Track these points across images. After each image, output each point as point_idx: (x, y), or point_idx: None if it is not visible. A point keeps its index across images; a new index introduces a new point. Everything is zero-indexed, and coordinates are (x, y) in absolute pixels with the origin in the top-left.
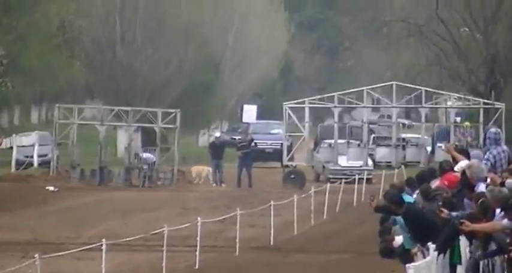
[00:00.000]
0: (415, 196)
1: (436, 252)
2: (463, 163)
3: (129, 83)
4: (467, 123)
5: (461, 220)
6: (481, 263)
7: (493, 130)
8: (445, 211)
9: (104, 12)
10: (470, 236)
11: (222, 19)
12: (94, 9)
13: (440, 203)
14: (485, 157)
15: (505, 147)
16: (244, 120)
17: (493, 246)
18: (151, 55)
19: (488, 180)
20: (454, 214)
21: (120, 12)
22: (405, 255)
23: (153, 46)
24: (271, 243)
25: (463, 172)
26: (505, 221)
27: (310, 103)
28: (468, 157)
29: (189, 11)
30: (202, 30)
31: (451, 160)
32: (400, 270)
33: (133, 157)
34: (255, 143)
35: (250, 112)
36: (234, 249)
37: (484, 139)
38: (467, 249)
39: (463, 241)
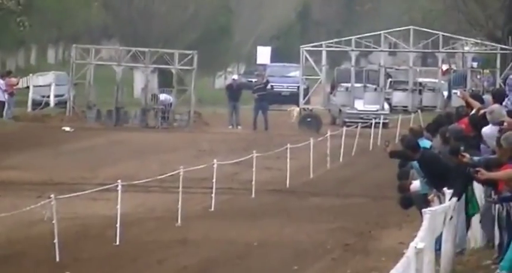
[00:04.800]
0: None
1: (453, 199)
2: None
3: (146, 26)
4: (486, 71)
5: (477, 169)
6: (496, 207)
7: (511, 76)
8: (467, 155)
9: None
10: (486, 184)
11: None
12: None
13: (462, 147)
14: (504, 103)
15: None
16: (259, 61)
17: (507, 193)
18: None
19: (505, 124)
20: (475, 158)
21: None
22: (421, 200)
23: None
24: (287, 186)
25: (481, 117)
26: None
27: (327, 46)
28: (482, 102)
29: None
30: None
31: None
32: (415, 215)
33: (151, 98)
34: (272, 86)
35: (264, 54)
36: (249, 191)
37: (501, 85)
38: (483, 195)
39: (478, 190)
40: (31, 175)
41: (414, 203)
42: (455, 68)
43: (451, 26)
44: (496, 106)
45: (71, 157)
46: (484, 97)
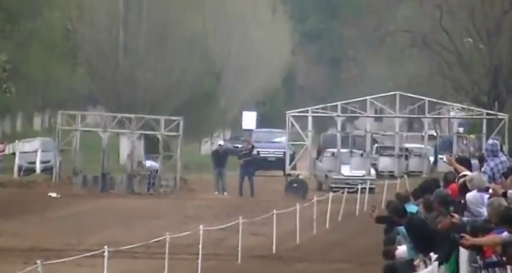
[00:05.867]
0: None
1: (436, 263)
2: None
3: (132, 92)
4: (472, 136)
5: (461, 234)
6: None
7: (490, 141)
8: (456, 216)
9: (107, 21)
10: (471, 249)
11: (225, 28)
12: (97, 18)
13: (451, 208)
14: (482, 169)
15: (503, 158)
16: (244, 126)
17: (493, 258)
18: (154, 64)
19: (490, 191)
20: (465, 219)
21: (124, 21)
22: (407, 266)
23: (156, 56)
24: (274, 252)
25: (464, 184)
26: (505, 234)
27: (313, 112)
28: (469, 166)
29: (192, 20)
30: (205, 39)
31: (453, 170)
32: None
33: (137, 165)
34: (257, 151)
35: (249, 119)
36: (236, 257)
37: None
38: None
39: (462, 252)
40: (17, 241)
41: (398, 271)
42: (438, 134)
43: (437, 91)
44: (476, 173)
45: (57, 223)
46: (472, 162)
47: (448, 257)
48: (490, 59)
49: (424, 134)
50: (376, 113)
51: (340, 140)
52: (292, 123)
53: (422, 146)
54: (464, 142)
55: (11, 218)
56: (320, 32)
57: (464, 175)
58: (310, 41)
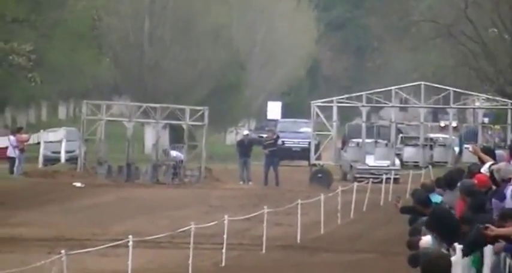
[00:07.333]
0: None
1: (460, 253)
2: (489, 165)
3: (157, 82)
4: (497, 126)
5: (486, 225)
6: (507, 263)
7: None
8: (495, 229)
9: (133, 11)
10: (496, 240)
11: (250, 18)
12: (123, 7)
13: (495, 217)
14: None
15: None
16: (269, 116)
17: None
18: (179, 54)
19: None
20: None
21: (149, 11)
22: None
23: (181, 46)
24: (298, 242)
25: (492, 174)
26: None
27: (338, 102)
28: (494, 156)
29: (217, 10)
30: (230, 29)
31: (477, 161)
32: None
33: (162, 153)
34: (283, 141)
35: (274, 109)
36: (260, 247)
37: None
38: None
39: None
40: (41, 231)
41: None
42: (458, 125)
43: (462, 81)
44: (503, 164)
45: (81, 213)
46: (496, 152)
47: (473, 250)
48: None
49: (442, 124)
50: (401, 103)
51: (365, 131)
52: (317, 113)
53: (447, 136)
54: (489, 132)
55: (35, 207)
56: (344, 22)
57: (494, 164)
58: (334, 30)
